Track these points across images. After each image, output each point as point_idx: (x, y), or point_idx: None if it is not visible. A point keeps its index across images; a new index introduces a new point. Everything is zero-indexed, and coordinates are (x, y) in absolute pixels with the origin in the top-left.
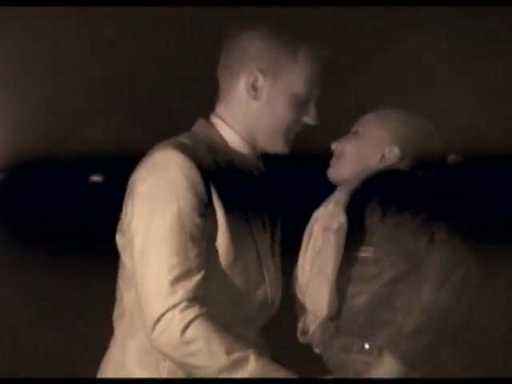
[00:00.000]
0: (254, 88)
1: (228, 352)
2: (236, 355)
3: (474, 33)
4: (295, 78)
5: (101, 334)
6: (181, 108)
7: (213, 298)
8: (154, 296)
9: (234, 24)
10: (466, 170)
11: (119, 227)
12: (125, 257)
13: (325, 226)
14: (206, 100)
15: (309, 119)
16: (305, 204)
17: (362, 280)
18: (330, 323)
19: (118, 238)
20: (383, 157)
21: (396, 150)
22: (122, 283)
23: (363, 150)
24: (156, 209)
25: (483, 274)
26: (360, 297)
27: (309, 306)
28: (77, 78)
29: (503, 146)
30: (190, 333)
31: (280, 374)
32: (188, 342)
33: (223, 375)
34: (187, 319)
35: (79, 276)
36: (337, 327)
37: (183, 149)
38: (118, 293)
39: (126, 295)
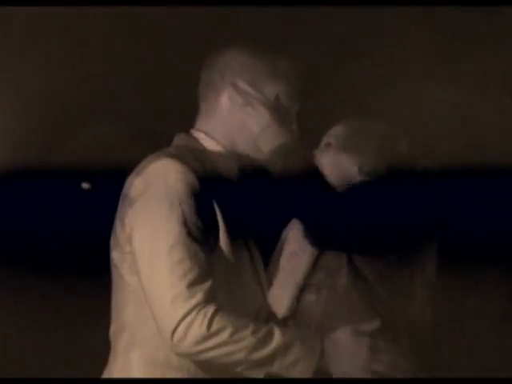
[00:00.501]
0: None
1: (253, 332)
2: (261, 333)
3: (457, 33)
4: (276, 91)
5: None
6: (169, 115)
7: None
8: (170, 304)
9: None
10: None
11: (113, 242)
12: (123, 271)
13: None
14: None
15: None
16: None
17: (327, 272)
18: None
19: (114, 254)
20: (361, 168)
21: (373, 159)
22: (119, 298)
23: (340, 162)
24: (160, 217)
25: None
26: (321, 289)
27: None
28: (63, 86)
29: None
30: (215, 325)
31: (308, 338)
32: (216, 334)
33: (253, 356)
34: (209, 315)
35: (69, 285)
36: (295, 322)
37: (177, 158)
38: (114, 308)
39: (125, 309)
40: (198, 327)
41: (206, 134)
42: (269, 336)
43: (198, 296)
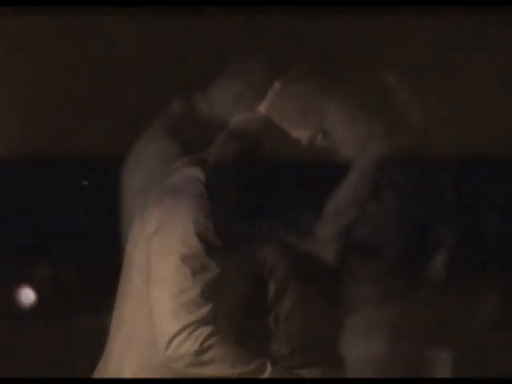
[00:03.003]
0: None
1: (246, 363)
2: (254, 365)
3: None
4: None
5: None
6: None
7: None
8: (169, 316)
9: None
10: None
11: (130, 236)
12: (133, 266)
13: None
14: None
15: None
16: None
17: None
18: None
19: (128, 246)
20: None
21: None
22: (124, 289)
23: None
24: (179, 225)
25: None
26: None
27: None
28: (63, 82)
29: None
30: (207, 353)
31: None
32: (206, 363)
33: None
34: (201, 338)
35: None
36: None
37: (205, 165)
38: (118, 297)
39: (127, 302)
40: (188, 347)
41: None
42: (262, 369)
43: (196, 314)
